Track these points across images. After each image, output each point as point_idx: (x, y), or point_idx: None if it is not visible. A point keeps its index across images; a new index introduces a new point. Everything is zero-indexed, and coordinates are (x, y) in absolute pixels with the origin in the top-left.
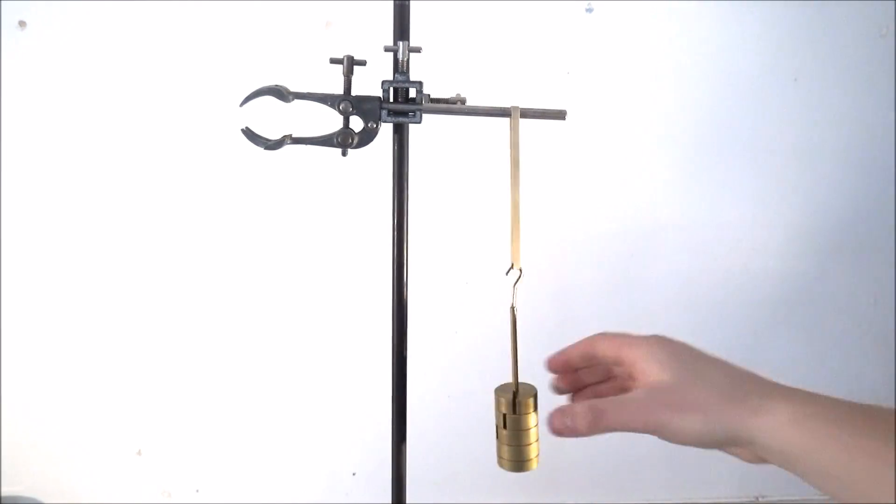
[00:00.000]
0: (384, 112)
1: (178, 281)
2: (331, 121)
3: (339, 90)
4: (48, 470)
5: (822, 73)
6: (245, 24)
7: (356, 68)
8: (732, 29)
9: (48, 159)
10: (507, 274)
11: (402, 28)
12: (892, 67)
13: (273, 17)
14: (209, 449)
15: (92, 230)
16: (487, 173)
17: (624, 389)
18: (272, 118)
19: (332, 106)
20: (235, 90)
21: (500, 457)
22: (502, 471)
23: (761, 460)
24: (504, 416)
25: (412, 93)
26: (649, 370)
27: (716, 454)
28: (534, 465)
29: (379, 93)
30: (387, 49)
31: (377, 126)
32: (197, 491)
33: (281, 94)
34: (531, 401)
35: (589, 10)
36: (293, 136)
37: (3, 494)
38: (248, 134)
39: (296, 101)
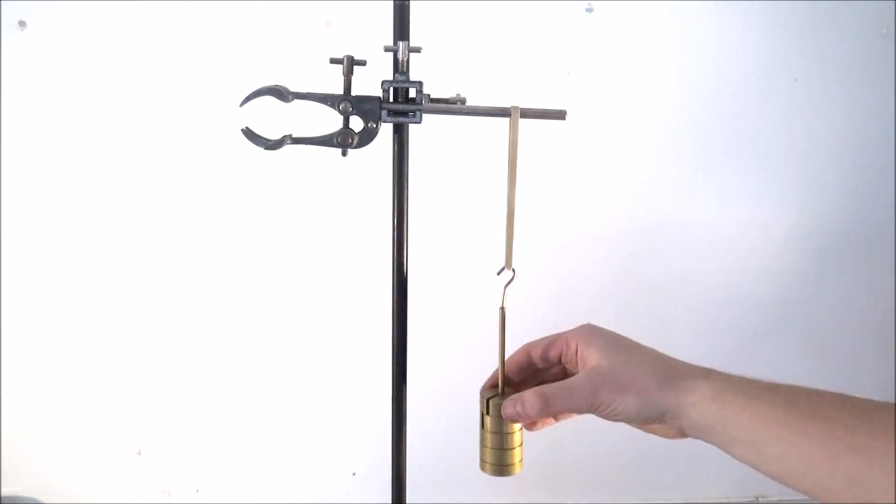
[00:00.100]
0: (384, 112)
1: (177, 281)
2: (331, 121)
3: (339, 90)
4: (48, 470)
5: (822, 73)
6: (245, 24)
7: (356, 68)
8: (732, 29)
9: (48, 159)
10: (498, 274)
11: (402, 28)
12: (892, 67)
13: (273, 17)
14: (209, 449)
15: (92, 230)
16: (487, 173)
17: (566, 375)
18: (272, 118)
19: (332, 106)
20: (235, 90)
21: (482, 460)
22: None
23: (681, 436)
24: (486, 417)
25: (412, 93)
26: (588, 356)
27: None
28: (516, 469)
29: (379, 93)
30: (387, 49)
31: (377, 126)
32: (197, 491)
33: (281, 94)
34: None
35: (589, 10)
36: (293, 136)
37: (3, 494)
38: (248, 134)
39: (296, 101)
